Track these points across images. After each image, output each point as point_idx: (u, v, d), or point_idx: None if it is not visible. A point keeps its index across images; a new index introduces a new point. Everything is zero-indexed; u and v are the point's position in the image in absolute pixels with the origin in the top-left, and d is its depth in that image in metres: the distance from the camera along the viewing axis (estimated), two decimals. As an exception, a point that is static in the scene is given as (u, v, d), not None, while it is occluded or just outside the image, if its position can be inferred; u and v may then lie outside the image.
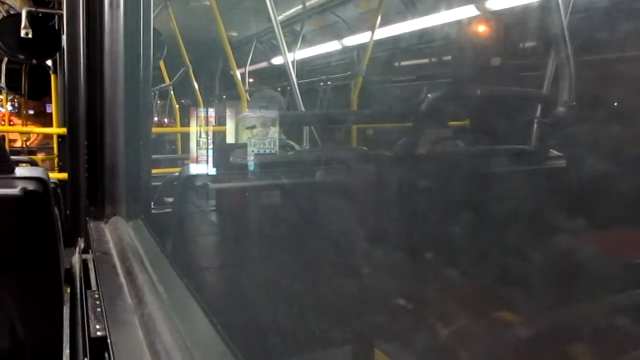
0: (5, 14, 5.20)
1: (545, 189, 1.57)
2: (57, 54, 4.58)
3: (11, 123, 10.97)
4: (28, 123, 11.79)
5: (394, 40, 5.51)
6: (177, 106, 6.24)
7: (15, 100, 11.63)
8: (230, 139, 2.06)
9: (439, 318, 1.12)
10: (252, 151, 1.95)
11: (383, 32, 5.37)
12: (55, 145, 5.13)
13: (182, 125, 6.21)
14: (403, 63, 5.98)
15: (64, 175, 3.63)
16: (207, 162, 2.17)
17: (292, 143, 2.90)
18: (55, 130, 4.59)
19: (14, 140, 9.47)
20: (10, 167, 1.18)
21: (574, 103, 2.07)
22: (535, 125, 2.15)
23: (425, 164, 1.73)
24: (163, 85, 5.59)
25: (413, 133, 1.91)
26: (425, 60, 5.62)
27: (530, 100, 2.28)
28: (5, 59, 7.42)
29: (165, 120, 7.08)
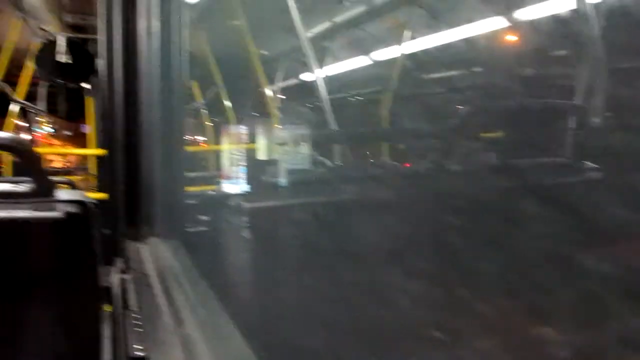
0: (44, 40, 5.38)
1: (582, 202, 1.54)
2: (93, 78, 4.72)
3: (50, 144, 11.26)
4: (66, 144, 12.11)
5: (424, 54, 5.51)
6: (209, 124, 6.33)
7: (53, 122, 11.96)
8: (262, 156, 2.08)
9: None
10: (284, 168, 1.97)
11: (412, 46, 5.38)
12: (93, 166, 5.25)
13: (214, 143, 6.30)
14: (433, 76, 5.97)
15: (102, 195, 3.72)
16: (240, 180, 2.19)
17: (323, 159, 2.92)
18: (95, 151, 4.70)
19: (53, 161, 9.73)
20: (52, 192, 1.22)
21: (609, 113, 2.03)
22: (568, 137, 2.12)
23: (459, 178, 1.73)
24: (195, 104, 5.68)
25: (445, 147, 1.91)
26: (455, 73, 5.60)
27: (563, 111, 2.25)
28: (45, 83, 7.66)
29: (198, 138, 7.18)
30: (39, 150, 1.23)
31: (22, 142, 1.18)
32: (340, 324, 1.16)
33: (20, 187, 1.23)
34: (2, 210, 1.18)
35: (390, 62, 5.64)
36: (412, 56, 5.49)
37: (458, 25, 5.15)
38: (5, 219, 1.16)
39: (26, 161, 1.17)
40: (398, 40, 5.11)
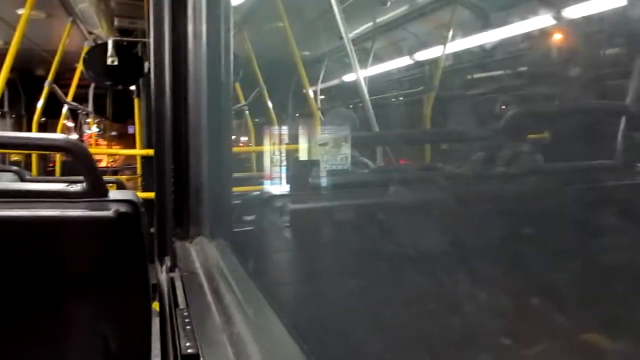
0: (93, 44, 5.54)
1: (636, 206, 1.49)
2: (140, 80, 4.83)
3: (97, 144, 11.57)
4: (112, 144, 12.45)
5: (467, 53, 5.44)
6: (251, 125, 6.40)
7: (100, 123, 12.30)
8: (304, 156, 2.09)
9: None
10: (325, 168, 1.97)
11: (455, 46, 5.31)
12: (139, 166, 5.37)
13: (256, 144, 6.37)
14: (477, 76, 5.88)
15: (147, 195, 3.80)
16: (284, 180, 2.21)
17: (365, 160, 2.91)
18: (143, 151, 4.81)
19: (99, 161, 10.00)
20: (104, 191, 1.26)
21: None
22: (620, 139, 2.06)
23: (507, 181, 1.70)
24: (238, 105, 5.75)
25: (491, 148, 1.88)
26: (500, 72, 5.50)
27: (614, 112, 2.19)
28: (92, 85, 7.90)
29: (241, 138, 7.27)
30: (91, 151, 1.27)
31: (76, 144, 1.21)
32: (386, 326, 1.16)
33: (74, 187, 1.27)
34: (57, 209, 1.22)
35: (434, 62, 5.59)
36: (456, 56, 5.43)
37: (502, 24, 5.06)
38: (60, 218, 1.20)
39: (80, 162, 1.20)
40: (441, 40, 5.06)
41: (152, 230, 2.14)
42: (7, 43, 4.46)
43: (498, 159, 1.76)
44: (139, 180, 5.21)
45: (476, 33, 5.33)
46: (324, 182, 1.94)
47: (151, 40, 1.60)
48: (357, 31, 6.29)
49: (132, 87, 5.35)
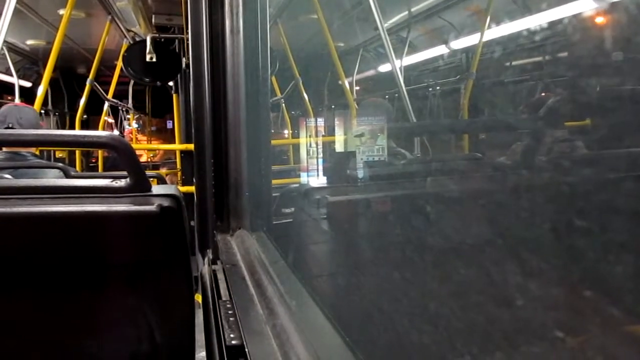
0: (131, 42, 5.65)
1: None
2: (178, 76, 4.91)
3: (137, 139, 11.80)
4: (151, 139, 12.68)
5: (506, 40, 5.33)
6: (288, 118, 6.43)
7: (140, 119, 12.54)
8: (342, 148, 2.09)
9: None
10: (362, 159, 1.97)
11: (493, 33, 5.21)
12: (178, 160, 5.46)
13: (293, 136, 6.40)
14: (516, 63, 5.76)
15: (187, 189, 3.87)
16: (321, 172, 2.21)
17: (402, 151, 2.89)
18: (182, 146, 4.88)
19: (140, 156, 10.19)
20: (148, 186, 1.28)
21: None
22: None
23: (550, 170, 1.66)
24: (275, 98, 5.78)
25: (532, 137, 1.84)
26: (540, 59, 5.37)
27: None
28: (132, 82, 8.06)
29: (278, 131, 7.31)
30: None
31: (121, 141, 1.24)
32: (431, 319, 1.16)
33: (118, 183, 1.30)
34: (102, 204, 1.25)
35: (471, 51, 5.50)
36: (494, 43, 5.33)
37: (541, 9, 4.93)
38: (106, 213, 1.23)
39: (124, 159, 1.23)
40: (479, 26, 4.97)
41: (192, 223, 2.18)
42: (50, 43, 4.58)
43: (540, 147, 1.73)
44: (179, 174, 5.29)
45: (514, 19, 5.22)
46: (361, 173, 1.94)
47: (189, 36, 1.62)
48: (392, 20, 6.24)
49: (170, 83, 5.43)
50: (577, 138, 1.94)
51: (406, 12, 5.90)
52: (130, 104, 9.24)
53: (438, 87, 6.26)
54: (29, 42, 6.88)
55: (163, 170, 7.26)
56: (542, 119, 1.88)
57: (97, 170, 6.24)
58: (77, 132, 1.27)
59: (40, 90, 3.67)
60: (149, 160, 10.32)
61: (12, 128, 2.63)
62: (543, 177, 1.71)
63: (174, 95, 5.44)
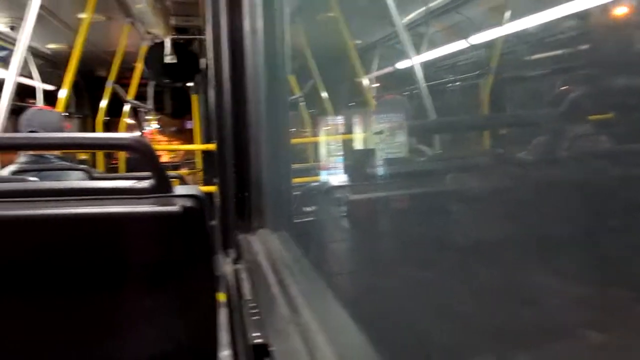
0: (150, 44, 5.70)
1: None
2: (197, 76, 4.95)
3: (157, 140, 11.90)
4: (171, 139, 12.78)
5: (526, 34, 5.27)
6: (307, 116, 6.43)
7: (159, 119, 12.65)
8: (361, 146, 2.09)
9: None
10: (382, 157, 1.97)
11: (512, 27, 5.16)
12: (199, 160, 5.50)
13: (312, 134, 6.40)
14: (536, 57, 5.69)
15: (207, 189, 3.89)
16: (341, 170, 2.21)
17: (423, 148, 2.88)
18: (203, 146, 4.92)
19: (160, 156, 10.28)
20: (170, 188, 1.30)
21: None
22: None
23: (573, 165, 1.64)
24: (293, 97, 5.80)
25: (554, 131, 1.82)
26: (560, 52, 5.31)
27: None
28: (152, 83, 8.14)
29: (297, 130, 7.33)
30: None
31: (144, 142, 1.26)
32: (458, 320, 1.15)
33: (141, 184, 1.32)
34: (126, 205, 1.27)
35: (490, 45, 5.45)
36: (513, 37, 5.27)
37: (561, 1, 4.87)
38: (129, 214, 1.25)
39: (147, 160, 1.24)
40: (498, 21, 4.93)
41: (213, 222, 2.20)
42: (71, 46, 4.65)
43: (563, 141, 1.71)
44: (199, 174, 5.34)
45: (533, 12, 5.16)
46: (381, 171, 1.94)
47: (209, 37, 1.63)
48: (409, 17, 6.21)
49: (189, 84, 5.48)
50: (601, 132, 1.92)
51: (424, 8, 5.87)
52: (150, 105, 9.33)
53: (458, 83, 6.22)
54: (51, 46, 6.98)
55: (184, 171, 7.33)
56: (565, 113, 1.86)
57: (118, 171, 6.31)
58: (101, 134, 1.29)
59: (62, 93, 3.72)
60: (170, 160, 10.40)
61: (35, 131, 2.68)
62: (568, 171, 1.69)
63: (193, 96, 5.48)
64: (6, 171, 2.45)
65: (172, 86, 6.79)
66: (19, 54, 3.07)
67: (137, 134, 9.98)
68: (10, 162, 3.33)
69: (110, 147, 1.23)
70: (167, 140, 12.64)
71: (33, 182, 1.88)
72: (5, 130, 3.04)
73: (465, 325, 1.11)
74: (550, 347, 1.08)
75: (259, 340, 0.83)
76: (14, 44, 5.92)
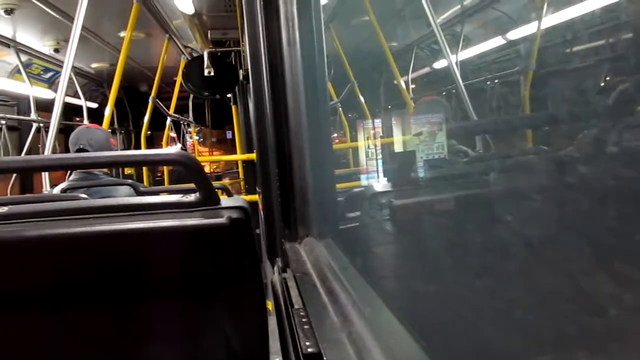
0: (189, 57, 5.81)
1: None
2: (236, 87, 5.01)
3: (199, 152, 12.09)
4: (212, 150, 12.98)
5: (566, 26, 5.15)
6: (346, 122, 6.44)
7: (201, 131, 12.87)
8: (402, 148, 2.08)
9: None
10: (421, 158, 1.95)
11: (552, 20, 5.04)
12: (240, 170, 5.56)
13: (351, 139, 6.41)
14: (576, 49, 5.55)
15: (250, 197, 3.94)
16: (383, 174, 2.20)
17: (464, 148, 2.85)
18: (244, 156, 4.97)
19: (203, 167, 10.43)
20: (217, 200, 1.32)
21: None
22: None
23: (624, 162, 1.60)
24: (332, 103, 5.81)
25: (600, 126, 1.77)
26: (602, 42, 5.16)
27: None
28: (191, 96, 8.29)
29: (336, 135, 7.35)
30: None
31: (190, 157, 1.28)
32: (506, 323, 1.13)
33: (189, 197, 1.35)
34: (175, 219, 1.30)
35: (529, 39, 5.35)
36: (553, 30, 5.15)
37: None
38: (178, 228, 1.28)
39: (193, 174, 1.27)
40: (536, 15, 4.83)
41: (257, 231, 2.22)
42: (113, 64, 4.78)
43: (611, 136, 1.66)
44: (242, 183, 5.40)
45: (572, 3, 5.03)
46: (424, 173, 1.92)
47: (247, 49, 1.66)
48: (444, 16, 6.15)
49: (229, 95, 5.55)
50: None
51: (459, 6, 5.80)
52: (190, 118, 9.50)
53: (497, 80, 6.11)
54: (94, 65, 7.20)
55: (226, 181, 7.42)
56: (611, 108, 1.81)
57: (163, 184, 6.44)
58: (147, 151, 1.32)
59: (107, 111, 3.83)
60: (212, 171, 10.57)
61: (84, 149, 2.77)
62: (615, 168, 1.64)
63: (233, 107, 5.55)
64: (58, 189, 2.54)
65: (211, 98, 6.90)
66: (65, 75, 3.17)
67: (178, 146, 10.17)
68: (61, 179, 3.44)
69: (157, 163, 1.26)
70: (208, 151, 12.85)
71: (84, 199, 1.94)
72: (55, 148, 3.15)
73: (524, 330, 1.09)
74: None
75: (312, 350, 0.84)
76: (58, 66, 6.16)
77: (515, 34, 6.17)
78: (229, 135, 12.27)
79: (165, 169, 6.29)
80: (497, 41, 6.45)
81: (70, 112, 7.65)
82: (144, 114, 5.67)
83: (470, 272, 1.37)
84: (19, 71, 5.66)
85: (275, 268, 1.51)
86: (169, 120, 6.91)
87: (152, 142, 10.76)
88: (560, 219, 1.29)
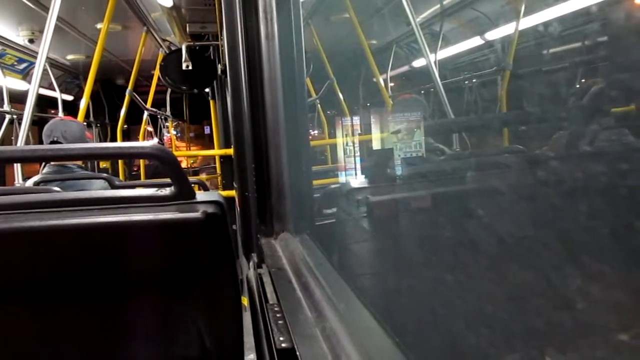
0: (167, 51, 5.75)
1: None
2: (214, 82, 4.98)
3: (176, 146, 11.98)
4: (190, 145, 12.88)
5: (543, 27, 5.21)
6: (324, 118, 6.44)
7: (178, 126, 12.76)
8: (380, 146, 2.08)
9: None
10: (399, 155, 1.96)
11: (529, 21, 5.10)
12: (218, 165, 5.52)
13: (329, 136, 6.41)
14: (553, 50, 5.62)
15: (227, 193, 3.92)
16: (360, 171, 2.20)
17: (441, 146, 2.86)
18: (221, 151, 4.94)
19: (180, 162, 10.33)
20: (192, 194, 1.31)
21: None
22: None
23: (596, 161, 1.62)
24: (310, 99, 5.81)
25: (575, 126, 1.79)
26: (578, 45, 5.23)
27: None
28: (169, 90, 8.21)
29: (314, 132, 7.34)
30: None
31: (165, 150, 1.26)
32: (481, 320, 1.14)
33: (164, 191, 1.33)
34: (149, 213, 1.28)
35: (507, 40, 5.40)
36: (531, 31, 5.22)
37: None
38: (153, 222, 1.26)
39: (169, 168, 1.25)
40: (514, 16, 4.88)
41: (234, 227, 2.20)
42: (89, 57, 4.70)
43: (585, 137, 1.69)
44: (219, 179, 5.36)
45: (549, 5, 5.10)
46: (400, 170, 1.93)
47: (225, 43, 1.64)
48: (423, 15, 6.18)
49: (207, 89, 5.51)
50: (623, 125, 1.89)
51: (438, 6, 5.84)
52: (168, 112, 9.41)
53: (474, 80, 6.17)
54: (69, 57, 7.08)
55: (203, 176, 7.37)
56: (585, 108, 1.84)
57: (140, 178, 6.37)
58: (123, 144, 1.30)
59: (83, 103, 3.77)
60: (189, 166, 10.48)
61: (57, 142, 2.72)
62: (590, 167, 1.67)
63: (211, 101, 5.51)
64: (30, 182, 2.49)
65: (189, 92, 6.84)
66: (39, 66, 3.11)
67: (155, 140, 10.07)
68: (34, 172, 3.38)
69: (132, 156, 1.24)
70: (186, 146, 12.74)
71: (57, 192, 1.90)
72: (28, 140, 3.09)
73: (492, 326, 1.10)
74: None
75: (285, 344, 0.84)
76: (33, 57, 6.05)
77: (493, 34, 6.23)
78: (207, 130, 12.18)
79: (141, 163, 6.23)
80: (476, 41, 6.50)
81: (45, 104, 7.51)
82: (121, 107, 5.60)
83: (444, 269, 1.38)
84: (-9, 61, 5.55)
85: (251, 263, 1.50)
86: (145, 114, 6.83)
87: (129, 136, 10.63)
88: (533, 217, 1.30)
